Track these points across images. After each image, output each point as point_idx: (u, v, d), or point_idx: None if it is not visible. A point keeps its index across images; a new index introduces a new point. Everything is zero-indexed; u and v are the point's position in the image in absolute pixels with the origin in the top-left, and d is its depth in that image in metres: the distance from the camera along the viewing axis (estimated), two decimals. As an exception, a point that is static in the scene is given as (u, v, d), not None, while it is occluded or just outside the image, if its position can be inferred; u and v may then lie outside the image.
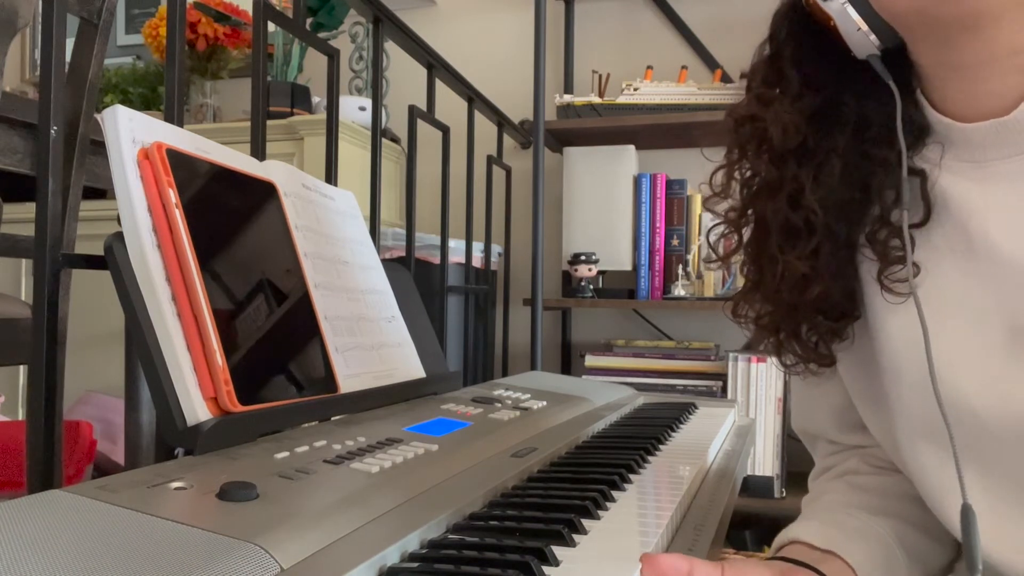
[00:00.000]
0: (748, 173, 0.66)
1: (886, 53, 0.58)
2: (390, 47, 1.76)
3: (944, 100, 0.59)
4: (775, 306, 0.66)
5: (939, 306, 0.58)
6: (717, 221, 0.69)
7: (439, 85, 1.65)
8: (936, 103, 0.60)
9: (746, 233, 0.67)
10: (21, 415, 2.29)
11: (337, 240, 0.86)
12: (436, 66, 1.61)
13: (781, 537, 0.66)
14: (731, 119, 0.66)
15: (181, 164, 0.64)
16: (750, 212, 0.66)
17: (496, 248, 2.16)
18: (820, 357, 0.66)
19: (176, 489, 0.46)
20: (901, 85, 0.58)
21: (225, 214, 0.69)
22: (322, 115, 2.04)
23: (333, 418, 0.73)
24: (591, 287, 2.10)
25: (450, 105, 1.78)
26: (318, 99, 2.28)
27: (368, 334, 0.83)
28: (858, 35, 0.57)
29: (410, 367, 0.90)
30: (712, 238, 0.69)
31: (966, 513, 0.52)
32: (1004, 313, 0.56)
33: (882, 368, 0.63)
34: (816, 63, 0.62)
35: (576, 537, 0.48)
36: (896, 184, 0.60)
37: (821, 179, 0.61)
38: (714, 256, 0.70)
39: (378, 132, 1.37)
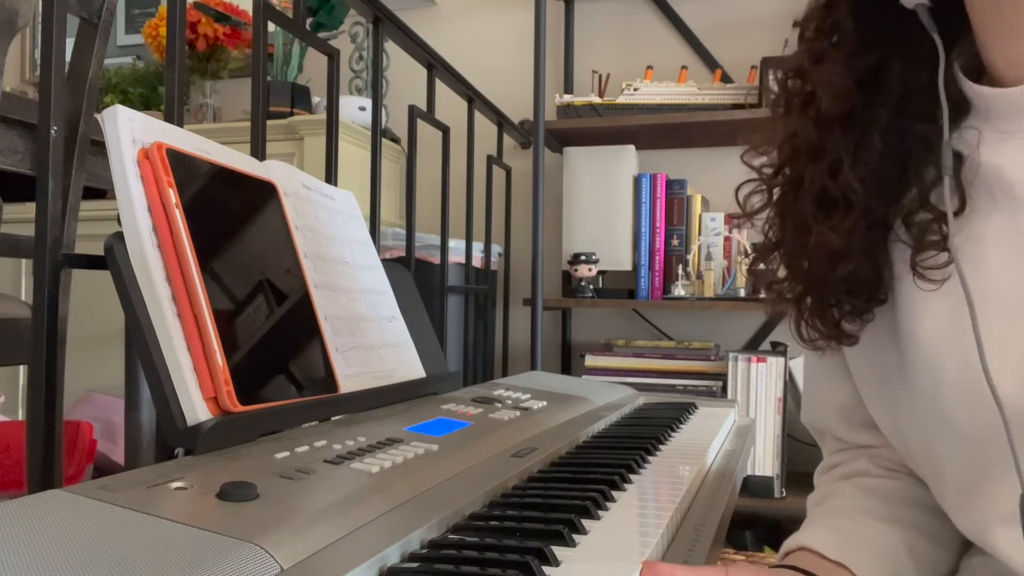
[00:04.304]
0: (790, 131, 0.63)
1: (935, 12, 0.56)
2: (390, 47, 1.76)
3: (997, 62, 0.57)
4: (800, 277, 0.64)
5: (979, 298, 0.54)
6: (750, 177, 0.66)
7: (439, 85, 1.65)
8: (991, 65, 0.57)
9: (776, 192, 0.65)
10: (21, 415, 2.29)
11: (337, 240, 0.86)
12: (436, 66, 1.61)
13: (790, 543, 0.65)
14: (781, 71, 0.64)
15: (181, 164, 0.64)
16: (786, 171, 0.64)
17: (496, 248, 2.16)
18: (842, 335, 0.63)
19: (176, 489, 0.46)
20: (946, 49, 0.56)
21: (225, 214, 0.69)
22: (322, 115, 2.04)
23: (333, 418, 0.73)
24: (591, 287, 2.10)
25: (450, 105, 1.78)
26: (318, 99, 2.28)
27: (368, 334, 0.83)
28: None
29: (410, 367, 0.90)
30: (743, 193, 0.67)
31: None
32: None
33: (907, 359, 0.60)
34: (871, 15, 0.60)
35: (576, 537, 0.48)
36: (936, 163, 0.57)
37: (860, 156, 0.59)
38: (742, 212, 0.67)
39: (378, 132, 1.37)
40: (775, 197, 0.65)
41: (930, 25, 0.56)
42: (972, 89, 0.58)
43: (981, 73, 0.60)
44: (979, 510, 0.58)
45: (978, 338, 0.52)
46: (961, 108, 0.59)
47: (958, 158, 0.58)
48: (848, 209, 0.60)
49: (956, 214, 0.57)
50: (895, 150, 0.60)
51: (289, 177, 0.80)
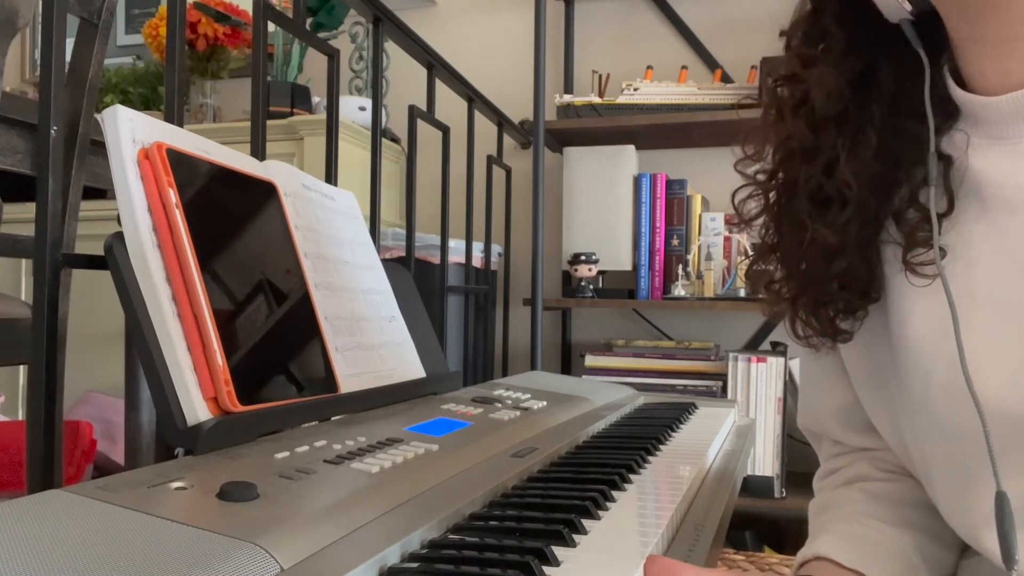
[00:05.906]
0: (783, 135, 0.64)
1: (921, 24, 0.57)
2: (390, 47, 1.76)
3: (974, 76, 0.57)
4: (796, 276, 0.64)
5: (968, 298, 0.56)
6: (745, 183, 0.67)
7: (439, 85, 1.65)
8: (969, 78, 0.58)
9: (772, 196, 0.66)
10: (21, 415, 2.29)
11: (337, 240, 0.86)
12: (436, 66, 1.61)
13: (805, 552, 0.65)
14: (770, 78, 0.65)
15: (181, 164, 0.64)
16: (780, 175, 0.65)
17: (496, 248, 2.16)
18: (836, 332, 0.64)
19: (176, 489, 0.46)
20: (932, 58, 0.57)
21: (225, 214, 0.69)
22: (322, 115, 2.04)
23: (333, 418, 0.73)
24: (591, 287, 2.10)
25: (450, 105, 1.78)
26: (318, 99, 2.28)
27: (368, 334, 0.83)
28: None
29: (410, 367, 0.90)
30: (738, 199, 0.68)
31: (1000, 501, 0.50)
32: None
33: (899, 359, 0.61)
34: (857, 22, 0.60)
35: (576, 537, 0.48)
36: (926, 161, 0.58)
37: (856, 152, 0.60)
38: (738, 219, 0.68)
39: (378, 132, 1.37)
40: (771, 201, 0.66)
41: (914, 39, 0.57)
42: (960, 96, 0.58)
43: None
44: (970, 511, 0.58)
45: (958, 339, 0.53)
46: (952, 111, 0.60)
47: (947, 160, 0.58)
48: (843, 206, 0.60)
49: (943, 216, 0.58)
50: (888, 148, 0.60)
51: (289, 177, 0.80)
